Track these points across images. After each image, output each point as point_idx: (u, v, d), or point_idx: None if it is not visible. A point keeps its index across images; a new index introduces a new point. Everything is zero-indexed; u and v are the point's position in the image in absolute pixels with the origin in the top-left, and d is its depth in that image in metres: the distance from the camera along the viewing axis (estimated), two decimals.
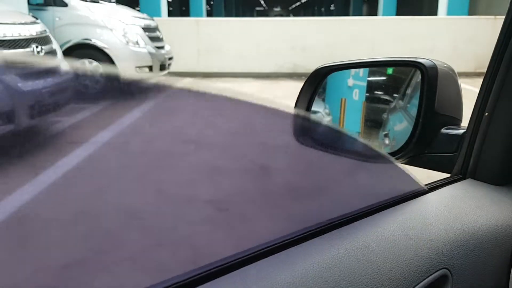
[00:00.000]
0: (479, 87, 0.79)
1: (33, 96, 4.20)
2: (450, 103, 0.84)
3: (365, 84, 1.11)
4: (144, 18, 7.82)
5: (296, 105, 1.01)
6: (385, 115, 1.11)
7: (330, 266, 0.51)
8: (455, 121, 0.85)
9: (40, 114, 3.91)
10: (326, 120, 1.18)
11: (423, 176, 1.04)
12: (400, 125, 1.05)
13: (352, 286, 0.50)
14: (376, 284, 0.52)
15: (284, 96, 7.56)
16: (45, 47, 4.62)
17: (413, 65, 0.88)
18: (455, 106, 0.85)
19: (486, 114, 0.75)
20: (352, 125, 1.14)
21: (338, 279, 0.49)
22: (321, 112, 1.17)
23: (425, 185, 0.73)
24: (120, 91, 0.63)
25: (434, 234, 0.61)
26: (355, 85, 1.12)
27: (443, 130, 0.83)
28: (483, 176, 0.76)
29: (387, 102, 1.13)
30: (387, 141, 1.07)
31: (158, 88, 0.66)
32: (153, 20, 8.17)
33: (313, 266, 0.50)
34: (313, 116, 1.11)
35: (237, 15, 35.87)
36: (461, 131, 0.81)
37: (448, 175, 0.82)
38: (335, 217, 0.58)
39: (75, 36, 6.89)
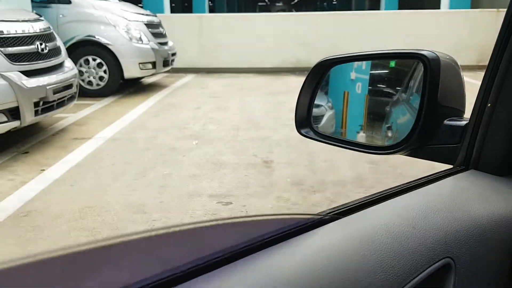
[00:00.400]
0: (482, 80, 0.79)
1: (38, 93, 4.22)
2: (452, 94, 0.85)
3: (367, 77, 1.12)
4: (147, 15, 7.83)
5: (298, 98, 1.01)
6: (388, 108, 1.12)
7: (335, 255, 0.51)
8: (458, 113, 0.85)
9: (45, 110, 3.99)
10: (328, 113, 1.19)
11: (426, 167, 1.05)
12: (403, 117, 1.06)
13: (357, 274, 0.51)
14: (380, 272, 0.53)
15: (287, 91, 7.57)
16: (49, 44, 4.64)
17: (416, 57, 0.89)
18: (457, 98, 0.86)
19: (489, 105, 0.75)
20: (355, 118, 1.15)
21: (343, 268, 0.50)
22: (323, 106, 1.18)
23: (428, 176, 0.74)
24: None
25: (437, 224, 0.62)
26: (357, 79, 1.13)
27: (446, 122, 0.83)
28: (485, 167, 0.77)
29: (390, 95, 1.14)
30: (390, 134, 1.08)
31: None
32: (156, 16, 8.18)
33: (319, 255, 0.51)
34: (316, 110, 1.12)
35: (239, 10, 35.77)
36: (463, 123, 0.82)
37: (451, 166, 0.82)
38: (337, 207, 0.59)
39: (79, 33, 6.91)
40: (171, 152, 4.38)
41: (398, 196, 0.66)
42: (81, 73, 6.73)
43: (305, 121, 1.02)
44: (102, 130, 5.14)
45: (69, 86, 4.76)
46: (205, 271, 0.44)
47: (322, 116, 1.20)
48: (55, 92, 4.39)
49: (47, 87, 4.26)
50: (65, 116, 5.59)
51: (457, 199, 0.69)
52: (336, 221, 0.57)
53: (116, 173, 3.79)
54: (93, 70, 6.98)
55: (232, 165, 3.99)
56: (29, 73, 4.17)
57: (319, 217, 0.57)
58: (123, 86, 7.60)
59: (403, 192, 0.67)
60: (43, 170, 3.83)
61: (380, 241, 0.56)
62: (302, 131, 1.03)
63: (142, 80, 8.56)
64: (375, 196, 0.64)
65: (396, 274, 0.54)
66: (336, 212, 0.58)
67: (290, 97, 6.99)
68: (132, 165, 3.98)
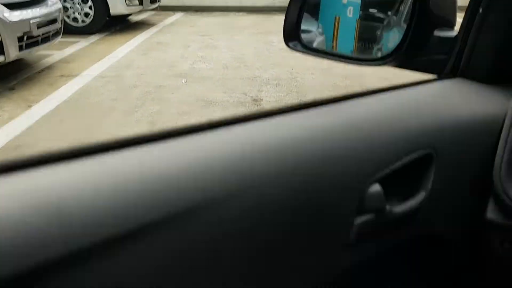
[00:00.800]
0: None
1: (21, 27, 4.07)
2: (444, 3, 0.84)
3: (359, 1, 1.10)
4: None
5: (288, 9, 0.99)
6: (378, 32, 1.11)
7: (323, 137, 0.53)
8: (448, 23, 0.84)
9: (29, 46, 3.88)
10: (319, 39, 1.18)
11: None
12: (393, 40, 1.05)
13: (341, 156, 0.52)
14: (364, 156, 0.54)
15: (277, 31, 7.43)
16: None
17: None
18: (449, 7, 0.84)
19: (480, 10, 0.74)
20: (346, 43, 1.14)
21: (330, 149, 0.52)
22: (314, 31, 1.17)
23: (416, 81, 0.74)
24: None
25: (421, 118, 0.63)
26: (349, 2, 1.11)
27: (436, 32, 0.82)
28: (473, 75, 0.77)
29: (381, 20, 1.12)
30: (379, 54, 1.08)
31: None
32: None
33: (303, 135, 0.52)
34: (305, 36, 1.10)
35: None
36: (454, 33, 0.81)
37: None
38: (323, 98, 0.60)
39: None
40: (160, 89, 4.34)
41: (385, 92, 0.67)
42: (65, 8, 6.52)
43: (293, 33, 1.01)
44: (89, 68, 5.05)
45: (53, 21, 4.62)
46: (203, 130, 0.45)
47: (312, 42, 1.19)
48: (39, 26, 4.27)
49: (31, 21, 4.14)
50: (51, 54, 5.47)
51: (443, 99, 0.70)
52: (322, 107, 0.58)
53: (105, 110, 3.77)
54: (77, 6, 6.76)
55: (222, 102, 3.98)
56: (11, 6, 4.04)
57: (304, 103, 0.57)
58: (109, 24, 7.41)
59: (391, 90, 0.68)
60: (31, 106, 3.79)
61: (366, 128, 0.57)
62: (290, 44, 1.01)
63: (129, 18, 8.33)
64: (356, 93, 0.64)
65: (380, 158, 0.56)
66: (320, 101, 0.58)
67: (280, 37, 6.86)
68: (120, 102, 3.96)
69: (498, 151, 0.67)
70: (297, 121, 0.54)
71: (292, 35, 1.00)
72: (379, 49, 1.10)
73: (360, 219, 0.56)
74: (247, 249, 0.47)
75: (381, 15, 1.12)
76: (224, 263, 0.46)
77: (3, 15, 3.86)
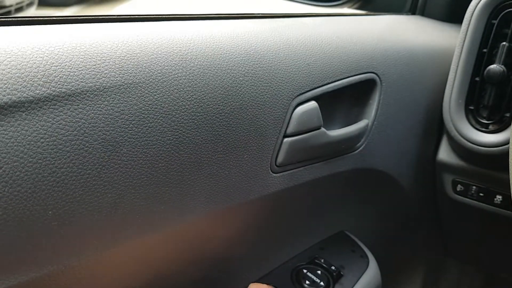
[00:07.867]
0: None
1: None
2: None
3: None
4: None
5: None
6: None
7: (254, 48, 0.51)
8: None
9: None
10: None
11: None
12: None
13: (271, 71, 0.50)
14: (296, 74, 0.53)
15: None
16: None
17: None
18: None
19: None
20: None
21: (259, 62, 0.50)
22: None
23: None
24: None
25: (365, 39, 0.61)
26: None
27: None
28: (431, 13, 0.76)
29: None
30: None
31: None
32: None
33: (238, 42, 0.51)
34: None
35: None
36: None
37: None
38: None
39: None
40: None
41: (327, 17, 0.65)
42: None
43: None
44: None
45: None
46: None
47: None
48: None
49: None
50: None
51: (393, 25, 0.68)
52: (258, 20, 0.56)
53: None
54: None
55: None
56: None
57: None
58: None
59: (346, 16, 0.66)
60: None
61: (302, 46, 0.55)
62: None
63: None
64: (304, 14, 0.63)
65: (318, 71, 0.54)
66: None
67: None
68: None
69: (447, 86, 0.65)
70: (228, 29, 0.52)
71: None
72: None
73: (288, 140, 0.53)
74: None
75: None
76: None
77: None
